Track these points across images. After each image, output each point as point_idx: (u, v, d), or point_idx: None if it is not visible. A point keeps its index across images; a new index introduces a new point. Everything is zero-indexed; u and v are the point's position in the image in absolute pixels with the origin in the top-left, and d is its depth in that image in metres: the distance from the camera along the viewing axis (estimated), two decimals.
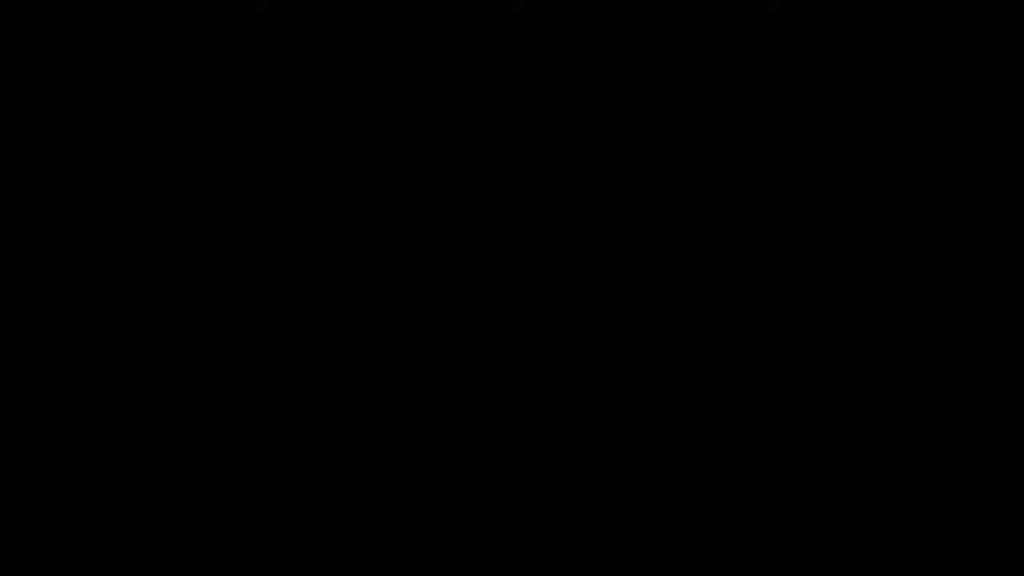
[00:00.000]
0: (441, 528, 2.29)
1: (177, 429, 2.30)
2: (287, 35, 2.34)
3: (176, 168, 2.34)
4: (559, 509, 2.29)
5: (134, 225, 2.33)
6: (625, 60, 2.34)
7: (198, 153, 2.34)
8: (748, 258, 2.32)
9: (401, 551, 2.29)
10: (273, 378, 2.31)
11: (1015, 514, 2.26)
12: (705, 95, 2.34)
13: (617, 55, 2.34)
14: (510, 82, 2.34)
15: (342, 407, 2.31)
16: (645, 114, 2.34)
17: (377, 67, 2.35)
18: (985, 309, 2.30)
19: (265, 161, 2.34)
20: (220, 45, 2.34)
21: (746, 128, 2.33)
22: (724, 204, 2.33)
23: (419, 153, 2.35)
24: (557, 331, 2.32)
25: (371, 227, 2.34)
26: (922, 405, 2.29)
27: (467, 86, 2.35)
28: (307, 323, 2.32)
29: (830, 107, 2.33)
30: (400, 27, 2.35)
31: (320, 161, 2.34)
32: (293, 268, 2.32)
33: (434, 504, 2.30)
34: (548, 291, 2.33)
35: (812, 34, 2.33)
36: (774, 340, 2.31)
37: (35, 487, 2.29)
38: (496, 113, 2.34)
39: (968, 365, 2.30)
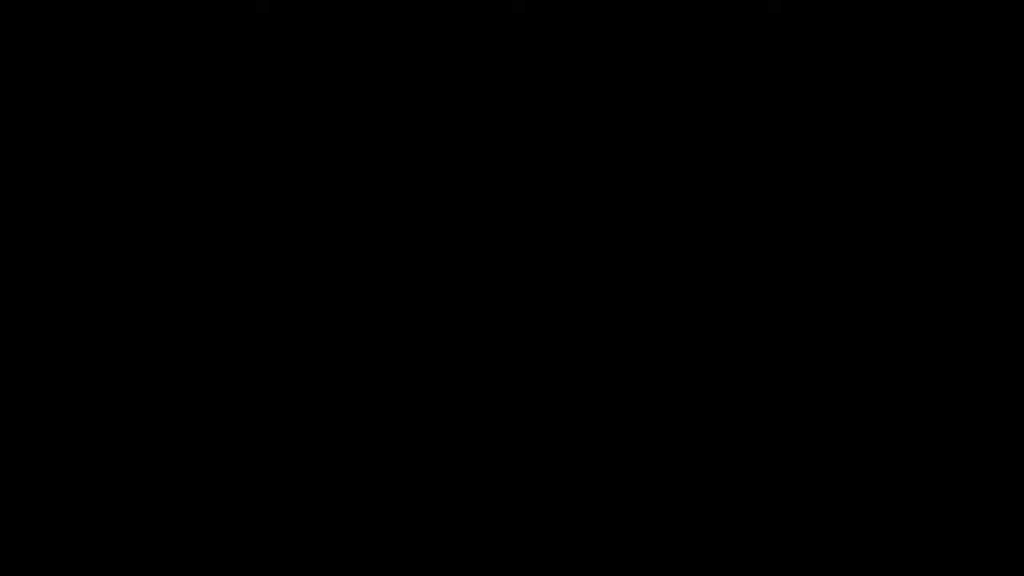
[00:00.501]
0: (441, 528, 2.29)
1: (177, 429, 2.30)
2: (287, 35, 2.34)
3: (176, 168, 2.34)
4: (559, 509, 2.29)
5: (134, 225, 2.33)
6: (625, 60, 2.34)
7: (198, 153, 2.34)
8: (748, 258, 2.32)
9: (401, 551, 2.29)
10: (273, 378, 2.31)
11: (1015, 514, 2.26)
12: (705, 95, 2.34)
13: (617, 55, 2.34)
14: (510, 82, 2.34)
15: (342, 407, 2.31)
16: (645, 114, 2.34)
17: (377, 67, 2.35)
18: (985, 309, 2.31)
19: (265, 161, 2.34)
20: (220, 45, 2.34)
21: (746, 128, 2.33)
22: (724, 204, 2.33)
23: (419, 153, 2.35)
24: (557, 331, 2.32)
25: (371, 227, 2.34)
26: (922, 405, 2.30)
27: (467, 86, 2.34)
28: (307, 323, 2.32)
29: (830, 107, 2.33)
30: (400, 27, 2.35)
31: (320, 161, 2.34)
32: (293, 268, 2.32)
33: (434, 504, 2.30)
34: (548, 291, 2.33)
35: (812, 34, 2.33)
36: (774, 340, 2.31)
37: (35, 487, 2.29)
38: (496, 113, 2.34)
39: (968, 365, 2.30)
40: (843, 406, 2.30)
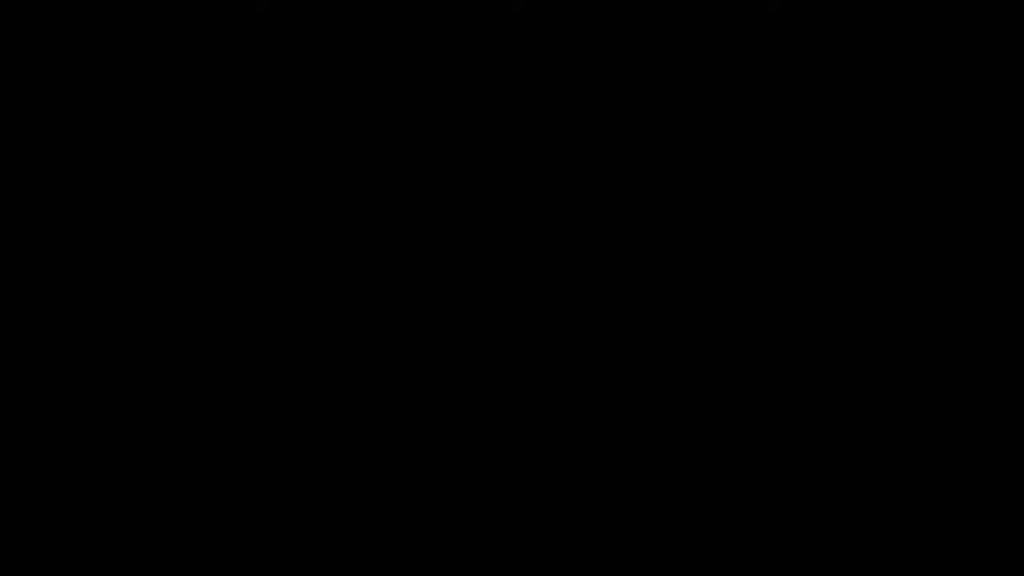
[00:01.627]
0: (441, 528, 2.29)
1: (177, 429, 2.30)
2: (287, 35, 2.34)
3: (176, 168, 2.34)
4: (559, 509, 2.30)
5: (134, 225, 2.33)
6: (625, 60, 2.34)
7: (198, 153, 2.34)
8: (748, 258, 2.32)
9: (401, 551, 2.29)
10: (273, 378, 2.32)
11: (1015, 514, 2.26)
12: (705, 95, 2.34)
13: (617, 55, 2.34)
14: (510, 82, 2.35)
15: (342, 407, 2.32)
16: (645, 114, 2.34)
17: (377, 67, 2.35)
18: (985, 309, 2.31)
19: (265, 161, 2.34)
20: (220, 45, 2.34)
21: (746, 128, 2.33)
22: (724, 204, 2.33)
23: (419, 153, 2.35)
24: (557, 331, 2.32)
25: (371, 227, 2.34)
26: (922, 405, 2.30)
27: (467, 86, 2.35)
28: (307, 323, 2.32)
29: (830, 107, 2.33)
30: (400, 27, 2.35)
31: (320, 161, 2.34)
32: (293, 268, 2.33)
33: (434, 504, 2.30)
34: (548, 291, 2.33)
35: (812, 34, 2.33)
36: (774, 340, 2.31)
37: (35, 487, 2.29)
38: (496, 113, 2.34)
39: (968, 365, 2.30)
40: (843, 406, 2.30)
